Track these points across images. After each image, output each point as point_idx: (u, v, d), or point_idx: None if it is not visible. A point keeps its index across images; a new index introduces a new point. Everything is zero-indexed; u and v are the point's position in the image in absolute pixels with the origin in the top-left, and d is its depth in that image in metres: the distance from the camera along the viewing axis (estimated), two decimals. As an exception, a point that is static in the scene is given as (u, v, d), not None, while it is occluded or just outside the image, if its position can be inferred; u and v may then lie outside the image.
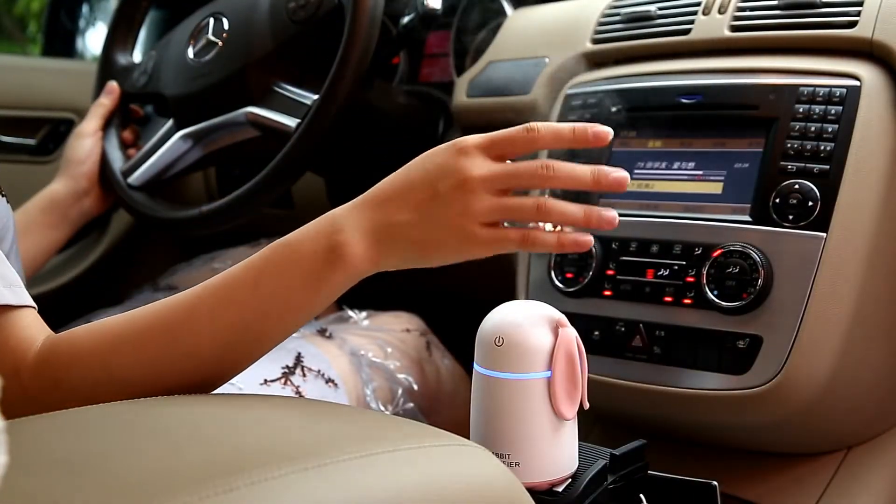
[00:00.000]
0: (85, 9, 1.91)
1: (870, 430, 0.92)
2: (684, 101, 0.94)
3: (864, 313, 0.83)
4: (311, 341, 1.03)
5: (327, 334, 1.06)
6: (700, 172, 0.92)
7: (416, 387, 1.05)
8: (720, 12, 0.98)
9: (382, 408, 1.01)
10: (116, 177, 1.16)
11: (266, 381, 0.92)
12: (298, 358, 0.97)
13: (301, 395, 0.93)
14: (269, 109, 1.04)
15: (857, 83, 0.86)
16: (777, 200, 0.85)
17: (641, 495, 0.73)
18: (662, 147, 0.96)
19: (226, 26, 1.11)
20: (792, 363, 0.82)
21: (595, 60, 1.07)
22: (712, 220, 0.89)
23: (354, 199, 0.66)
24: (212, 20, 1.13)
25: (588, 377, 0.68)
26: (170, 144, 1.13)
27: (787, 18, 0.93)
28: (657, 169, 0.95)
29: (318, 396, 0.94)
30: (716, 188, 0.91)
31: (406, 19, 1.13)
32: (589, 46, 1.08)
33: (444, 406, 1.11)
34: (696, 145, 0.94)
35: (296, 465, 0.44)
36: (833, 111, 0.85)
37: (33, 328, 0.63)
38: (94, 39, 1.88)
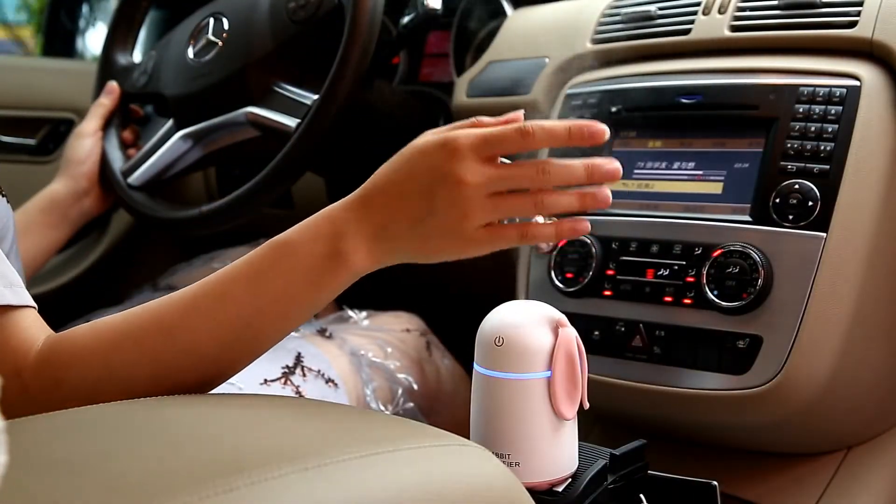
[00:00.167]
0: (85, 9, 1.91)
1: (870, 430, 0.92)
2: (684, 101, 0.94)
3: (864, 313, 0.83)
4: (311, 341, 1.03)
5: (327, 334, 1.06)
6: (700, 172, 0.92)
7: (416, 387, 1.05)
8: (720, 12, 0.98)
9: (382, 408, 1.01)
10: (116, 177, 1.16)
11: (266, 380, 0.92)
12: (298, 358, 0.97)
13: (301, 395, 0.93)
14: (269, 109, 1.04)
15: (857, 83, 0.86)
16: (777, 200, 0.85)
17: (641, 495, 0.73)
18: (662, 147, 0.96)
19: (226, 26, 1.11)
20: (792, 363, 0.82)
21: (595, 60, 1.07)
22: (712, 220, 0.89)
23: (350, 198, 0.65)
24: (212, 20, 1.13)
25: (588, 377, 0.68)
26: (170, 144, 1.13)
27: (787, 18, 0.93)
28: (657, 169, 0.95)
29: (318, 396, 0.94)
30: (716, 188, 0.91)
31: (406, 19, 1.12)
32: (589, 46, 1.08)
33: (444, 406, 1.11)
34: (696, 145, 0.94)
35: (296, 465, 0.44)
36: (833, 111, 0.85)
37: (34, 328, 0.63)
38: (94, 39, 1.88)
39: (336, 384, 0.97)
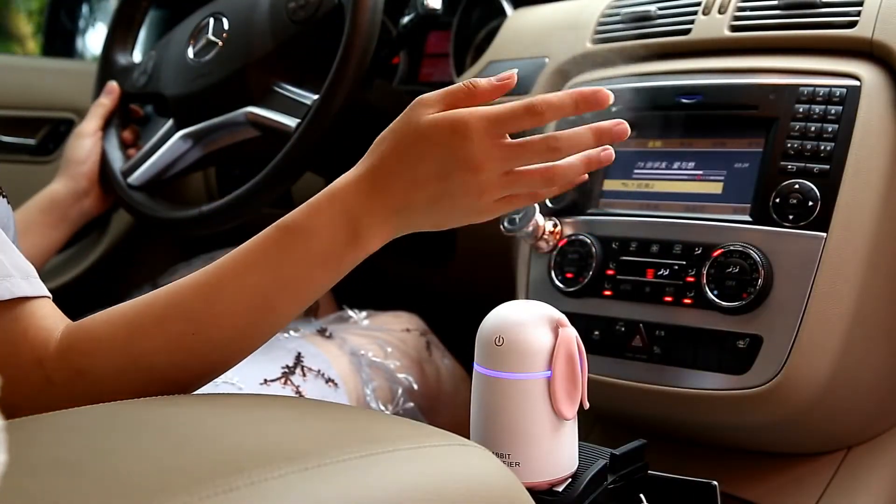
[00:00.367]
0: (85, 9, 1.91)
1: (870, 430, 0.92)
2: (684, 101, 0.94)
3: (864, 313, 0.83)
4: (311, 341, 1.03)
5: (327, 334, 1.06)
6: (700, 172, 0.92)
7: (416, 387, 1.05)
8: (720, 12, 0.98)
9: (382, 408, 1.01)
10: (116, 177, 1.16)
11: (266, 380, 0.92)
12: (298, 358, 0.97)
13: (301, 395, 0.93)
14: (269, 109, 1.04)
15: (857, 83, 0.86)
16: (777, 200, 0.85)
17: (641, 495, 0.73)
18: (662, 147, 0.96)
19: (226, 26, 1.11)
20: (792, 363, 0.82)
21: (595, 60, 1.07)
22: (712, 220, 0.89)
23: (358, 180, 0.66)
24: (212, 20, 1.13)
25: (588, 377, 0.68)
26: (170, 144, 1.13)
27: (787, 18, 0.93)
28: (657, 169, 0.95)
29: (318, 396, 0.94)
30: (716, 188, 0.91)
31: (406, 19, 1.13)
32: (589, 46, 1.08)
33: (444, 406, 1.11)
34: (696, 145, 0.94)
35: (296, 465, 0.44)
36: (833, 111, 0.85)
37: (51, 318, 0.63)
38: (94, 39, 1.88)
39: (336, 384, 0.97)
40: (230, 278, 0.63)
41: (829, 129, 0.85)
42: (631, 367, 0.90)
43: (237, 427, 0.51)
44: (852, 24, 0.89)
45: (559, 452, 0.67)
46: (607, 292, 0.93)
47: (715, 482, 0.77)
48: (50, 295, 0.65)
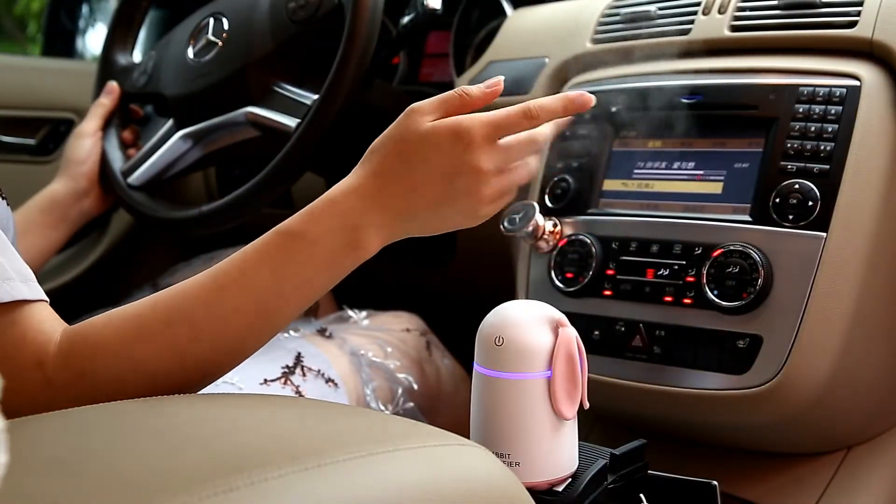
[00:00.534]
0: (85, 9, 1.91)
1: (870, 430, 0.92)
2: (684, 101, 0.94)
3: (864, 313, 0.83)
4: (311, 341, 1.03)
5: (327, 334, 1.06)
6: (700, 172, 0.92)
7: (416, 387, 1.05)
8: (720, 12, 0.98)
9: (382, 407, 1.01)
10: (116, 177, 1.16)
11: (266, 380, 0.92)
12: (298, 358, 0.97)
13: (301, 395, 0.93)
14: (269, 109, 1.04)
15: (857, 83, 0.86)
16: (777, 200, 0.85)
17: (641, 495, 0.73)
18: (662, 147, 0.96)
19: (226, 26, 1.11)
20: (792, 363, 0.82)
21: (595, 60, 1.07)
22: (712, 220, 0.89)
23: (358, 186, 0.67)
24: (212, 20, 1.13)
25: (588, 377, 0.68)
26: (170, 144, 1.13)
27: (787, 18, 0.93)
28: (657, 169, 0.95)
29: (318, 396, 0.94)
30: (716, 188, 0.91)
31: (406, 19, 1.13)
32: (589, 46, 1.08)
33: (444, 406, 1.11)
34: (696, 145, 0.94)
35: (296, 465, 0.44)
36: (833, 111, 0.85)
37: (49, 321, 0.63)
38: (94, 39, 1.88)
39: (336, 384, 0.97)
40: (231, 284, 0.64)
41: (829, 129, 0.85)
42: (631, 367, 0.90)
43: (237, 427, 0.51)
44: (852, 24, 0.89)
45: (559, 452, 0.67)
46: (607, 292, 0.93)
47: (715, 482, 0.77)
48: (47, 299, 0.65)
